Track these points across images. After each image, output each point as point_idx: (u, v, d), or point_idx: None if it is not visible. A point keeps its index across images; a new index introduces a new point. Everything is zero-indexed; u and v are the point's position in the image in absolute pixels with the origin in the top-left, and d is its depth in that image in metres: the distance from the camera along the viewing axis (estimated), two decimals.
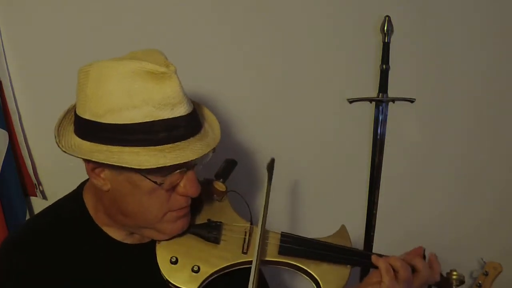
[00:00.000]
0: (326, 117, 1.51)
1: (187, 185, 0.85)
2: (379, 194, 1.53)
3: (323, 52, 1.45)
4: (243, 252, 0.93)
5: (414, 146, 1.57)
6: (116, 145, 0.79)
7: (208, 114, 0.95)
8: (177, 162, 0.79)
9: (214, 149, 0.87)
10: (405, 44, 1.44)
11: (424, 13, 1.44)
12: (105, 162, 0.78)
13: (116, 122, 0.78)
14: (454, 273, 1.04)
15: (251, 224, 0.98)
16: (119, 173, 0.82)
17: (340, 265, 0.96)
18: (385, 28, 1.39)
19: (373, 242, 1.56)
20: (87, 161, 0.83)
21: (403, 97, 1.46)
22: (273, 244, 0.96)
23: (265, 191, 0.91)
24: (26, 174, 1.42)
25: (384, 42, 1.41)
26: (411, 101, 1.46)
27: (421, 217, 1.63)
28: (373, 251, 1.57)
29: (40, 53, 1.34)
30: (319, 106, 1.49)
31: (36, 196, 1.45)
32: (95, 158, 0.79)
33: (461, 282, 1.04)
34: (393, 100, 1.46)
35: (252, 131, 1.48)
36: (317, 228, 1.59)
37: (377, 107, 1.47)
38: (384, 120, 1.48)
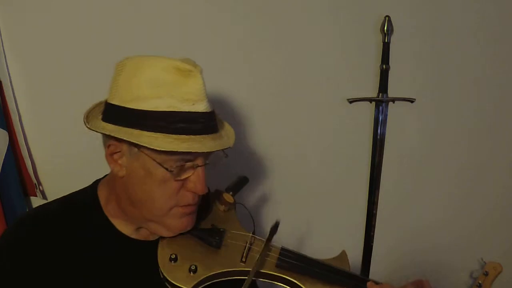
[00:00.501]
0: (326, 117, 1.51)
1: (196, 181, 0.89)
2: (379, 194, 1.53)
3: (323, 52, 1.45)
4: (241, 261, 0.94)
5: (414, 146, 1.57)
6: (137, 129, 0.85)
7: (226, 125, 1.00)
8: (189, 151, 0.84)
9: (226, 154, 0.93)
10: (405, 44, 1.44)
11: (424, 13, 1.44)
12: (123, 139, 0.84)
13: (141, 108, 0.84)
14: None
15: (253, 234, 1.00)
16: (136, 158, 0.88)
17: (336, 287, 0.96)
18: (385, 28, 1.40)
19: (373, 242, 1.56)
20: (108, 144, 0.90)
21: (403, 97, 1.46)
22: (272, 256, 0.97)
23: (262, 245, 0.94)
24: (26, 174, 1.42)
25: (384, 42, 1.42)
26: (411, 101, 1.46)
27: (421, 217, 1.63)
28: (373, 251, 1.57)
29: (40, 53, 1.34)
30: (319, 106, 1.49)
31: (36, 196, 1.45)
32: (115, 134, 0.85)
33: None
34: (393, 100, 1.46)
35: (252, 131, 1.48)
36: (317, 227, 1.60)
37: (377, 107, 1.47)
38: (384, 120, 1.48)
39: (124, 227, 0.96)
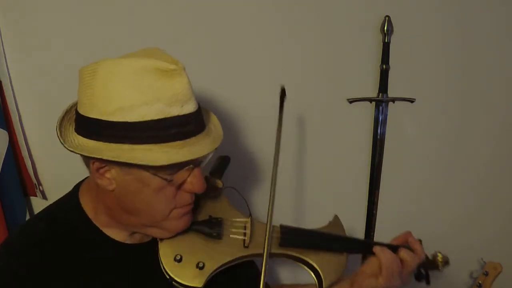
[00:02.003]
0: (326, 117, 1.51)
1: (194, 182, 0.86)
2: (379, 194, 1.53)
3: (323, 52, 1.45)
4: (244, 246, 0.95)
5: (414, 146, 1.57)
6: (127, 143, 0.79)
7: (209, 114, 0.96)
8: (190, 158, 0.80)
9: (216, 147, 0.88)
10: (405, 44, 1.44)
11: (424, 13, 1.44)
12: (117, 160, 0.77)
13: (127, 120, 0.77)
14: (439, 254, 1.08)
15: (250, 217, 0.99)
16: (127, 172, 0.82)
17: (338, 253, 0.99)
18: (385, 28, 1.39)
19: None
20: (92, 161, 0.83)
21: (403, 97, 1.46)
22: (274, 237, 0.97)
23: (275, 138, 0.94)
24: (26, 174, 1.42)
25: (384, 42, 1.41)
26: (411, 101, 1.46)
27: (421, 217, 1.63)
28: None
29: (40, 53, 1.34)
30: (319, 106, 1.49)
31: (36, 196, 1.45)
32: (106, 156, 0.78)
33: (446, 262, 1.08)
34: (393, 100, 1.46)
35: (251, 131, 1.48)
36: (317, 227, 1.60)
37: (377, 107, 1.47)
38: (384, 120, 1.48)
39: (117, 235, 0.93)
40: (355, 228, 1.58)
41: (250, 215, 1.00)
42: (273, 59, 1.43)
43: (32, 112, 1.38)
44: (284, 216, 1.55)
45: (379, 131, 1.49)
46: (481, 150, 1.60)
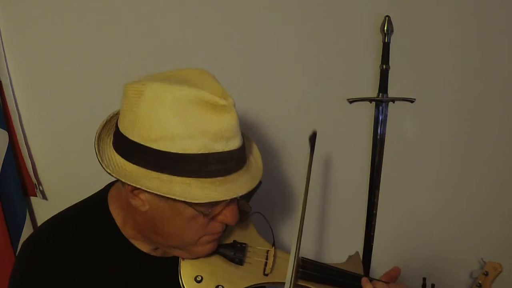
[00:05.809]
0: (326, 117, 1.51)
1: (228, 215, 0.85)
2: (379, 194, 1.53)
3: (323, 52, 1.45)
4: (264, 274, 0.95)
5: (414, 146, 1.57)
6: (167, 173, 0.77)
7: (251, 144, 0.94)
8: (228, 197, 0.78)
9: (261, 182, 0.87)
10: (405, 44, 1.44)
11: (424, 13, 1.44)
12: (155, 193, 0.76)
13: (169, 150, 0.75)
14: None
15: (273, 246, 0.99)
16: (162, 199, 0.80)
17: None
18: (385, 28, 1.40)
19: (373, 242, 1.56)
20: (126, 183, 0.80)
21: (403, 97, 1.46)
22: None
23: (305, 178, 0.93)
24: (26, 174, 1.42)
25: (384, 42, 1.42)
26: (411, 101, 1.46)
27: (421, 218, 1.63)
28: (373, 251, 1.57)
29: (40, 53, 1.34)
30: (319, 106, 1.49)
31: (36, 196, 1.45)
32: (145, 186, 0.76)
33: None
34: (393, 100, 1.46)
35: (251, 132, 1.48)
36: (317, 228, 1.60)
37: (377, 107, 1.47)
38: (384, 120, 1.48)
39: (143, 247, 0.93)
40: (355, 228, 1.58)
41: (274, 244, 1.00)
42: (272, 58, 1.43)
43: (32, 112, 1.38)
44: (283, 218, 1.56)
45: (379, 131, 1.49)
46: (480, 150, 1.60)
